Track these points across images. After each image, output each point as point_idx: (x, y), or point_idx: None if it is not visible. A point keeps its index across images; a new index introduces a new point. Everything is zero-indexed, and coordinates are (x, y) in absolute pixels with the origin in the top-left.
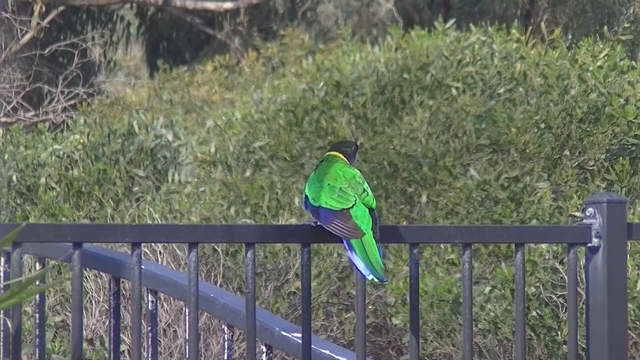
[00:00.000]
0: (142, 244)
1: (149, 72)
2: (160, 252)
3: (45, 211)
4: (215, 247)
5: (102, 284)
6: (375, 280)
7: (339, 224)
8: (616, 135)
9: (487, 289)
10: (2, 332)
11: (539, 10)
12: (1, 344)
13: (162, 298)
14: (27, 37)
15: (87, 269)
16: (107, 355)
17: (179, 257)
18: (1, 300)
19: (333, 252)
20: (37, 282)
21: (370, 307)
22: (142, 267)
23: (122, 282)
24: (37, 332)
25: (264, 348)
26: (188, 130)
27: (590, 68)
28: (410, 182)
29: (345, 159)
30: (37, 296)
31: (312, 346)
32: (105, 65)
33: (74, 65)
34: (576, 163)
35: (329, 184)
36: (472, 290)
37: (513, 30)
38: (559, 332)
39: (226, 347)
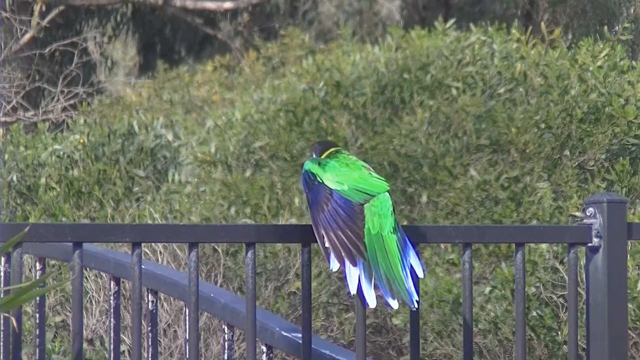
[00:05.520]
0: (142, 244)
1: (147, 72)
2: (160, 252)
3: (46, 211)
4: (216, 247)
5: (102, 284)
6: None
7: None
8: (616, 136)
9: (487, 289)
10: (2, 332)
11: (539, 10)
12: (1, 344)
13: (162, 298)
14: (27, 36)
15: (88, 269)
16: (107, 355)
17: (179, 257)
18: (2, 303)
19: None
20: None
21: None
22: (142, 267)
23: (122, 282)
24: (37, 332)
25: (264, 348)
26: (188, 130)
27: (590, 68)
28: (410, 182)
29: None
30: (38, 297)
31: (312, 346)
32: (104, 64)
33: (73, 64)
34: (576, 163)
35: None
36: (473, 290)
37: (513, 30)
38: (559, 332)
39: (226, 347)
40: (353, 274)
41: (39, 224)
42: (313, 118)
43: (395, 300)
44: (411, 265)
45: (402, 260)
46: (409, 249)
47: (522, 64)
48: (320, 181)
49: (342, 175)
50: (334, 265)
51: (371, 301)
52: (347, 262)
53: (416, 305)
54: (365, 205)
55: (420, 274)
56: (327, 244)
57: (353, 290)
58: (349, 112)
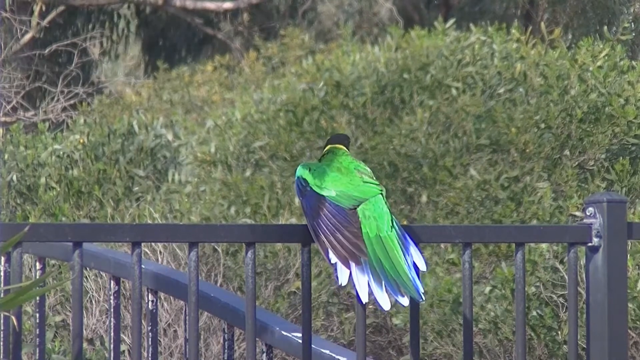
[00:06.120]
0: (142, 244)
1: (148, 72)
2: (160, 252)
3: (45, 211)
4: (216, 246)
5: (102, 284)
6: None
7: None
8: (616, 135)
9: (487, 288)
10: (2, 332)
11: (539, 10)
12: (1, 343)
13: (162, 298)
14: (27, 36)
15: (87, 268)
16: (107, 355)
17: (179, 257)
18: (2, 303)
19: None
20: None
21: (370, 306)
22: (142, 266)
23: (122, 281)
24: (37, 332)
25: (264, 348)
26: (188, 130)
27: (590, 68)
28: (410, 182)
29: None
30: (37, 296)
31: (313, 346)
32: (105, 65)
33: (73, 64)
34: (576, 163)
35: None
36: (472, 290)
37: (513, 30)
38: (559, 332)
39: (226, 347)
40: (362, 281)
41: (38, 223)
42: (313, 118)
43: (405, 297)
44: (413, 260)
45: (404, 255)
46: (409, 243)
47: (522, 64)
48: (311, 187)
49: (330, 181)
50: (343, 278)
51: (385, 304)
52: (354, 270)
53: (424, 298)
54: (358, 210)
55: (422, 267)
56: (332, 260)
57: (365, 298)
58: (349, 112)
